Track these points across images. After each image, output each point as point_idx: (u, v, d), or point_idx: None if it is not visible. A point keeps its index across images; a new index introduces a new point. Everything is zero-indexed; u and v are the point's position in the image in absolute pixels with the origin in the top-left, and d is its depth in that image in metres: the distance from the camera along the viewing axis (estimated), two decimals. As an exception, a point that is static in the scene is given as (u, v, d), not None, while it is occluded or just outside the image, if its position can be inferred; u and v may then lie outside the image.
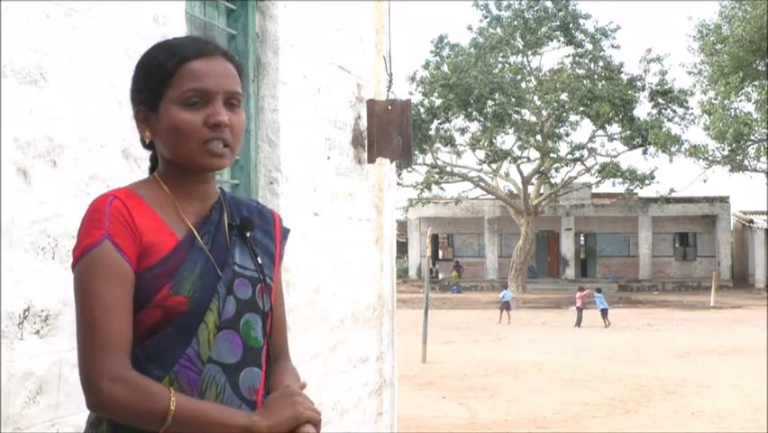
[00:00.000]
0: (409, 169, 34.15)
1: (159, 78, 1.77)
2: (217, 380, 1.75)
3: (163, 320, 1.72)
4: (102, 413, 1.70)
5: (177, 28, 3.34)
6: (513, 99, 35.85)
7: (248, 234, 1.86)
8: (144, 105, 1.80)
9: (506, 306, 26.11)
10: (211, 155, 1.76)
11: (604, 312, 24.14)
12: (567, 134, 37.57)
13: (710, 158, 34.67)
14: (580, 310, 24.11)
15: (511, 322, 24.99)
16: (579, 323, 23.74)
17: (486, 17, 37.32)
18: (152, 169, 1.89)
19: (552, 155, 36.81)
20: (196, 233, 1.79)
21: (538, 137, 36.53)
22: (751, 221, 42.93)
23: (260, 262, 1.85)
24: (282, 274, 2.05)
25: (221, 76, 1.78)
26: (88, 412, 1.75)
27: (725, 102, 32.48)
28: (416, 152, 35.72)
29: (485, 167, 38.70)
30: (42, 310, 2.64)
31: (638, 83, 36.52)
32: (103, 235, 1.68)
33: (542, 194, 39.00)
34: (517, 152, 37.80)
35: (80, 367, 1.67)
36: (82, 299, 1.69)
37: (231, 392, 1.76)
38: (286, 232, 2.01)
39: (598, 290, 26.12)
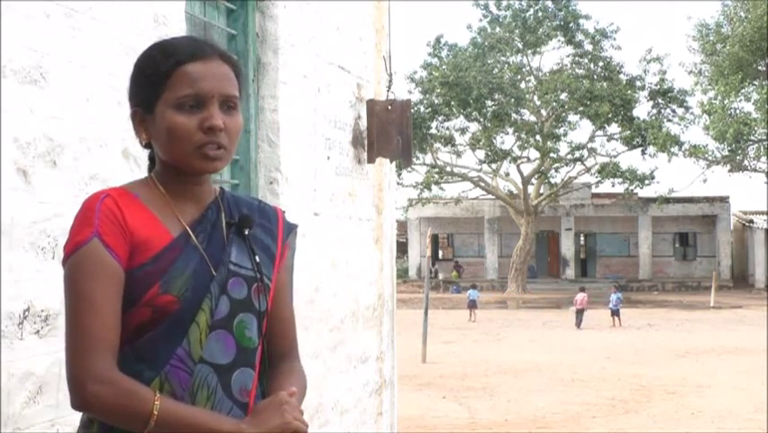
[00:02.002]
0: (409, 169, 34.17)
1: (154, 81, 1.76)
2: (209, 381, 1.74)
3: (153, 319, 1.71)
4: (86, 413, 1.70)
5: (177, 28, 3.34)
6: (512, 99, 35.83)
7: (246, 232, 1.84)
8: (140, 106, 1.79)
9: (472, 304, 26.25)
10: (205, 159, 1.75)
11: (615, 312, 24.14)
12: (566, 134, 37.60)
13: (710, 158, 34.70)
14: (580, 312, 24.00)
15: (476, 321, 25.39)
16: (579, 324, 23.62)
17: (486, 17, 37.33)
18: (152, 167, 1.88)
19: (552, 155, 36.79)
20: (190, 231, 1.78)
21: (538, 137, 36.51)
22: (751, 221, 42.93)
23: (257, 260, 1.83)
24: (283, 274, 2.03)
25: (217, 79, 1.77)
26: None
27: (725, 102, 32.50)
28: (416, 152, 35.69)
29: (485, 167, 38.69)
30: (42, 310, 2.64)
31: (638, 83, 36.52)
32: (92, 233, 1.68)
33: (542, 194, 38.98)
34: (517, 152, 37.80)
35: (66, 366, 1.67)
36: (70, 298, 1.69)
37: (222, 394, 1.75)
38: (291, 227, 1.99)
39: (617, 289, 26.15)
